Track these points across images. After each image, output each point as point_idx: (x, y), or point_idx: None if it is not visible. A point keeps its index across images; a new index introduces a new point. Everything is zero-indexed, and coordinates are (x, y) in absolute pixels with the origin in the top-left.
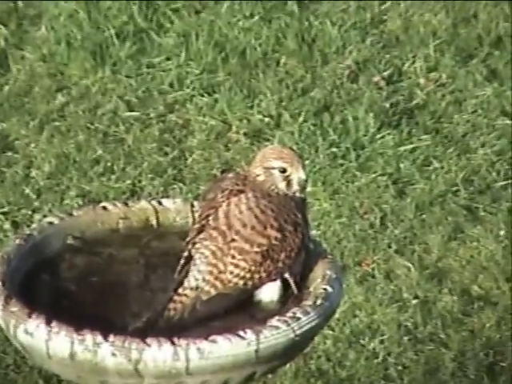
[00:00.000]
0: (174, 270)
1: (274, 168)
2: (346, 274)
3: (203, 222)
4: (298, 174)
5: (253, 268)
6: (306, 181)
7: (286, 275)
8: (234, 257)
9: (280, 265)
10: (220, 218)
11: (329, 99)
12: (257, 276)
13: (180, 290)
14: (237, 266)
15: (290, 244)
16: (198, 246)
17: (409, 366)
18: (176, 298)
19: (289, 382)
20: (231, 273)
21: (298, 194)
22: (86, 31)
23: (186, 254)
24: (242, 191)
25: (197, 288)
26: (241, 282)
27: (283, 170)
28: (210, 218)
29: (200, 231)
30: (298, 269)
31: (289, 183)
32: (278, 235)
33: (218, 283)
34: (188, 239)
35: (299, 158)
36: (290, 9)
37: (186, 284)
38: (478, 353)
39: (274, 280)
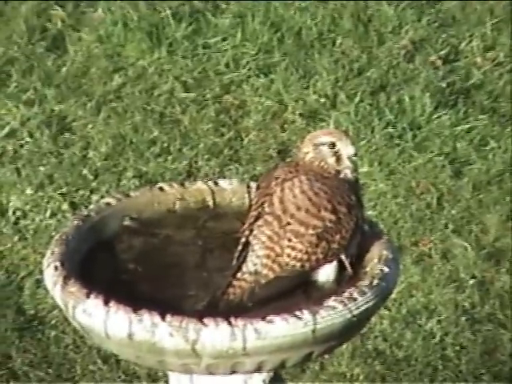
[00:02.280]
0: (231, 250)
1: (322, 144)
2: (402, 255)
3: (259, 209)
4: (347, 149)
5: (309, 250)
6: (356, 155)
7: (342, 256)
8: (290, 240)
9: (335, 246)
10: (275, 203)
11: (385, 79)
12: (313, 257)
13: (239, 275)
14: (293, 248)
15: (345, 225)
16: (255, 232)
17: (466, 347)
18: (235, 282)
19: (346, 362)
20: (288, 255)
21: (350, 175)
22: (143, 12)
23: (243, 240)
24: (295, 177)
25: (255, 272)
26: (298, 264)
27: (332, 145)
28: (265, 204)
29: (256, 218)
30: (353, 250)
31: (338, 159)
32: (332, 217)
33: (275, 266)
34: (245, 226)
35: (348, 135)
36: None
37: (244, 269)
38: None
39: (331, 261)
